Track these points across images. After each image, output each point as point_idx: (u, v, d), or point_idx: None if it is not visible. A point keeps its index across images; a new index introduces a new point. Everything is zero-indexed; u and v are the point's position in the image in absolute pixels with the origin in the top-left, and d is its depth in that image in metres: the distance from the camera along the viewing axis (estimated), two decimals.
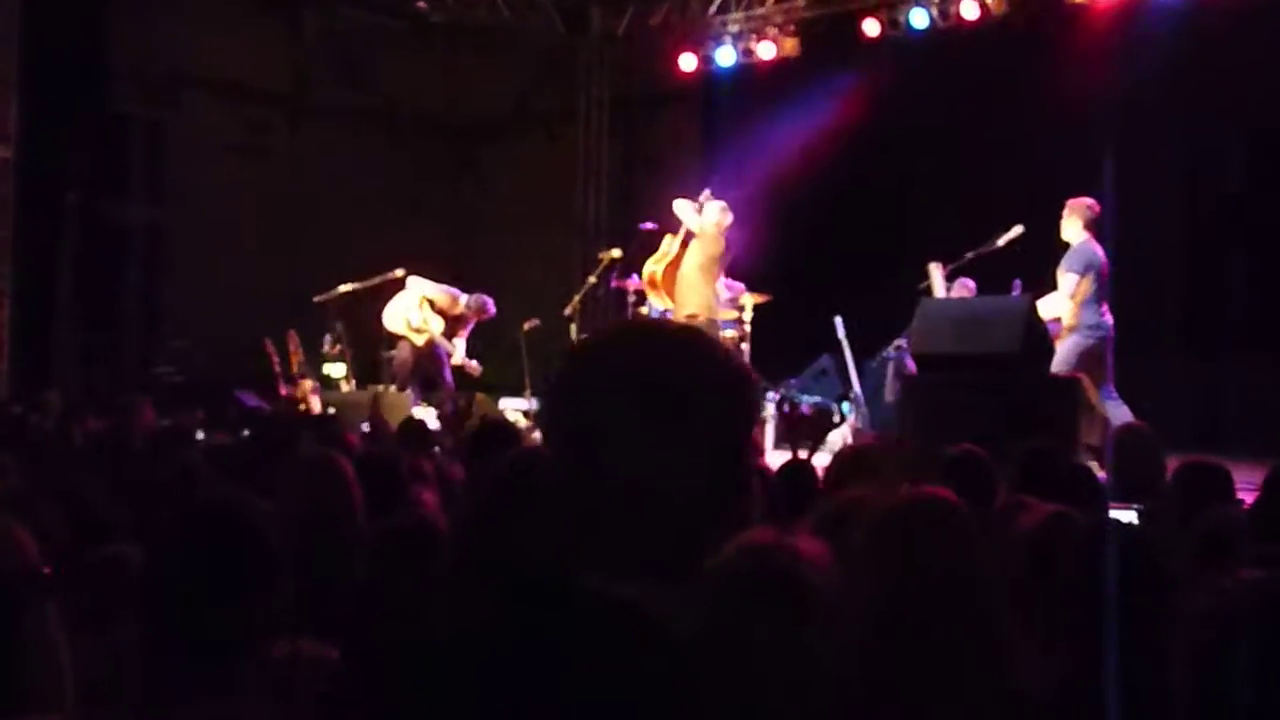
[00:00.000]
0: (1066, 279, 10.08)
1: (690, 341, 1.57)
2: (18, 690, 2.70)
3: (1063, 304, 10.07)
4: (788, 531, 2.14)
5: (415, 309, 13.13)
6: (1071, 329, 10.13)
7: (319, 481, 4.08)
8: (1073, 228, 10.25)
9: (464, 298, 13.45)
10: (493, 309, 13.52)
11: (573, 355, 1.63)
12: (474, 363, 13.43)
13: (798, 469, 5.86)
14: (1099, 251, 10.12)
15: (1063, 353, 10.08)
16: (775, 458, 8.47)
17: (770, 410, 11.59)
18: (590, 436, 1.50)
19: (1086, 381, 10.06)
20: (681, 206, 12.28)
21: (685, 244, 12.23)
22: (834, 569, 2.05)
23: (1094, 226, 10.24)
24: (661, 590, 1.49)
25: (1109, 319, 10.13)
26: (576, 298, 13.62)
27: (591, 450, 1.50)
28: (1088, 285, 10.12)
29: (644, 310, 13.39)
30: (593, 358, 1.59)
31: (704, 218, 12.00)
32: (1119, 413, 9.88)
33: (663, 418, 1.49)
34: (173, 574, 2.53)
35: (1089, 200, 10.27)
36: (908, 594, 2.35)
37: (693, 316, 11.44)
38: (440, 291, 13.37)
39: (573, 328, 13.48)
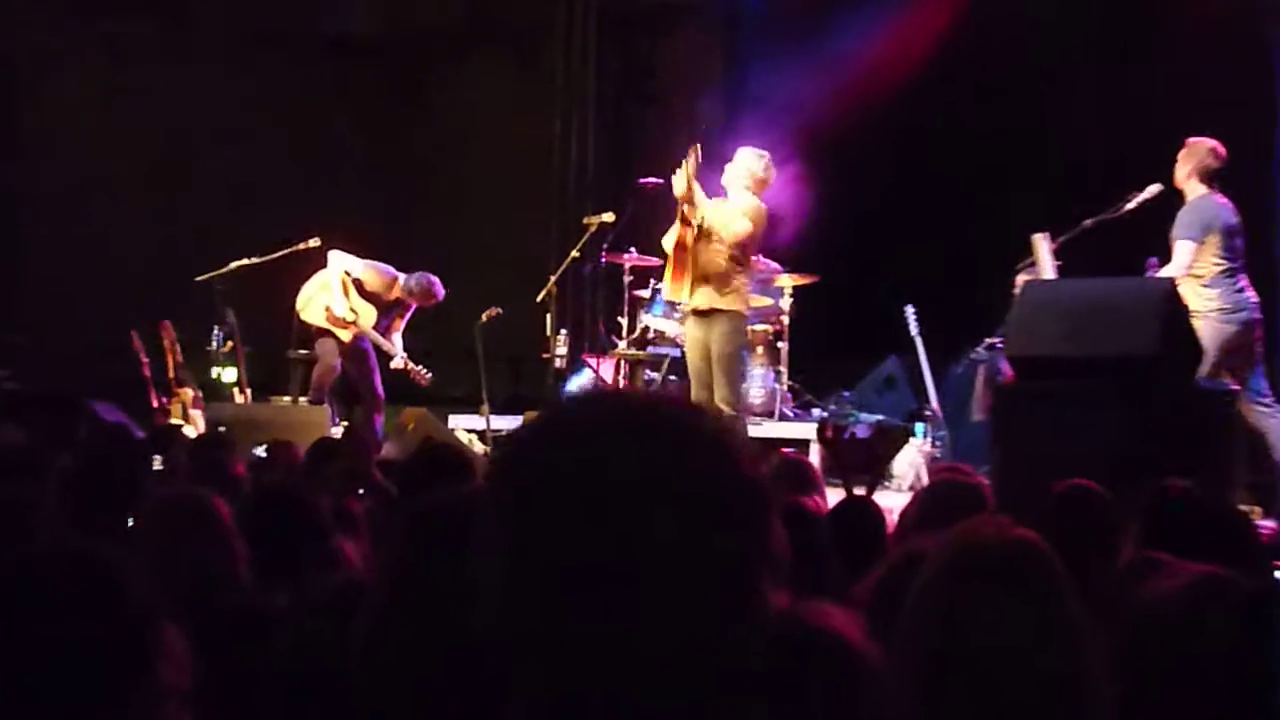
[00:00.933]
0: (1181, 247, 10.12)
1: (691, 441, 1.59)
2: None
3: (1178, 281, 10.10)
4: (820, 599, 2.13)
5: (338, 293, 13.05)
6: (1198, 314, 10.13)
7: (182, 530, 4.02)
8: (1189, 178, 10.31)
9: (402, 278, 13.40)
10: (440, 292, 13.46)
11: (512, 452, 1.66)
12: (420, 368, 13.36)
13: (855, 512, 5.85)
14: (1224, 207, 10.20)
15: None
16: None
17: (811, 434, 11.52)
18: (549, 568, 1.54)
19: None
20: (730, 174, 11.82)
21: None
22: (875, 652, 2.04)
23: (1215, 177, 10.30)
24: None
25: (1252, 295, 10.17)
26: (553, 279, 13.62)
27: (552, 583, 1.53)
28: (1213, 253, 10.16)
29: (642, 294, 13.39)
30: (543, 459, 1.60)
31: (733, 174, 11.57)
32: (1275, 428, 9.88)
33: (652, 549, 1.52)
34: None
35: (1211, 143, 10.33)
36: (954, 688, 2.30)
37: (718, 313, 11.13)
38: (371, 270, 13.32)
39: (548, 319, 13.47)
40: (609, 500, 1.53)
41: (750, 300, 11.63)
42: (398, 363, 13.26)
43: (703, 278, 11.07)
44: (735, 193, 11.37)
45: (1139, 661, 2.82)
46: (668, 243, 11.28)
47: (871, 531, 5.33)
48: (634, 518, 1.51)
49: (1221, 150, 10.36)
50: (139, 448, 7.97)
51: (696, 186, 10.97)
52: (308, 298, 13.07)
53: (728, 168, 11.46)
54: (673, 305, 13.25)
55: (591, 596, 1.51)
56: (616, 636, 1.51)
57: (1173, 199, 10.63)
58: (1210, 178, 10.35)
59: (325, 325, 13.02)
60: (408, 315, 13.56)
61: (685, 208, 11.00)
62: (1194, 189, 10.31)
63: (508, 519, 1.58)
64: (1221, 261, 10.09)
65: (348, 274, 13.12)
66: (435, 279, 13.43)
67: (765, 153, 11.66)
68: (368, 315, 13.18)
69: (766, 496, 1.60)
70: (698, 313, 11.15)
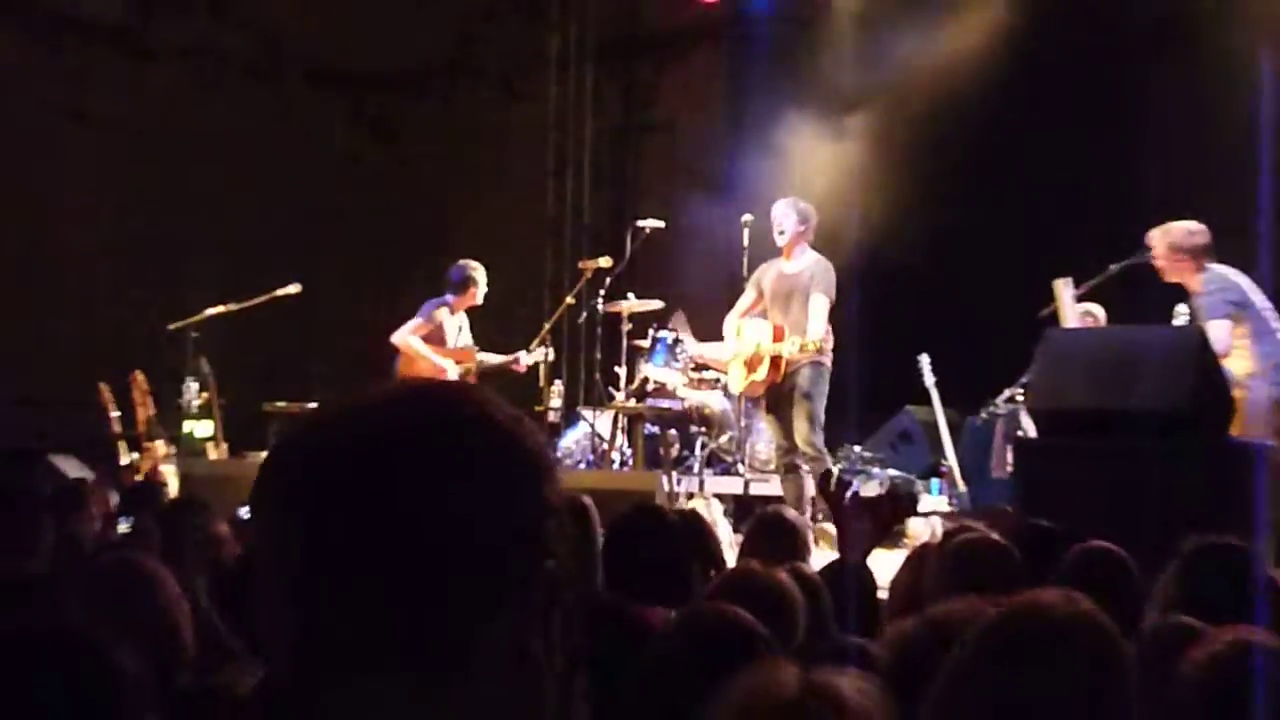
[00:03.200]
0: (1217, 329, 10.21)
1: (470, 404, 1.64)
2: None
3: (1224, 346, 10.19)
4: (822, 666, 2.16)
5: (436, 361, 13.44)
6: (1251, 375, 10.20)
7: (142, 609, 4.04)
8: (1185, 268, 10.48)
9: (430, 306, 13.71)
10: (462, 272, 13.83)
11: (289, 448, 1.67)
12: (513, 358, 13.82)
13: (845, 575, 5.87)
14: (1238, 276, 10.40)
15: (1249, 409, 10.13)
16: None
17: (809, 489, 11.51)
18: (334, 553, 1.56)
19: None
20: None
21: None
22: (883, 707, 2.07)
23: (1205, 256, 10.49)
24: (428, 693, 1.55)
25: None
26: (547, 326, 13.65)
27: (335, 568, 1.56)
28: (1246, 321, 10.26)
29: (642, 344, 13.40)
30: (327, 445, 1.63)
31: (792, 230, 11.99)
32: None
33: (444, 512, 1.56)
34: None
35: (1187, 225, 10.47)
36: None
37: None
38: (419, 325, 13.60)
39: (541, 370, 13.50)
40: (386, 486, 1.56)
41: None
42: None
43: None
44: (797, 251, 11.95)
45: None
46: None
47: (864, 599, 5.35)
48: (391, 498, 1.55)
49: (1198, 229, 10.54)
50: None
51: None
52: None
53: (780, 220, 11.97)
54: (673, 354, 13.28)
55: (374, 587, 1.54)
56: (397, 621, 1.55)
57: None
58: (1202, 256, 10.49)
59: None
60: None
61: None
62: (1196, 278, 10.47)
63: (278, 521, 1.62)
64: (1255, 322, 10.29)
65: (413, 345, 13.37)
66: (457, 270, 13.72)
67: (798, 200, 12.15)
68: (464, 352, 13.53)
69: (540, 450, 1.64)
70: None
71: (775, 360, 11.71)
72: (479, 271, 13.66)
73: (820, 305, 11.65)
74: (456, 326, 13.61)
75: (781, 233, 11.96)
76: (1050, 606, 2.55)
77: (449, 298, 13.51)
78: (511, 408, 1.74)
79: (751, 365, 11.99)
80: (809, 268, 11.85)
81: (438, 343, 13.43)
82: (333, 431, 1.63)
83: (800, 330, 11.56)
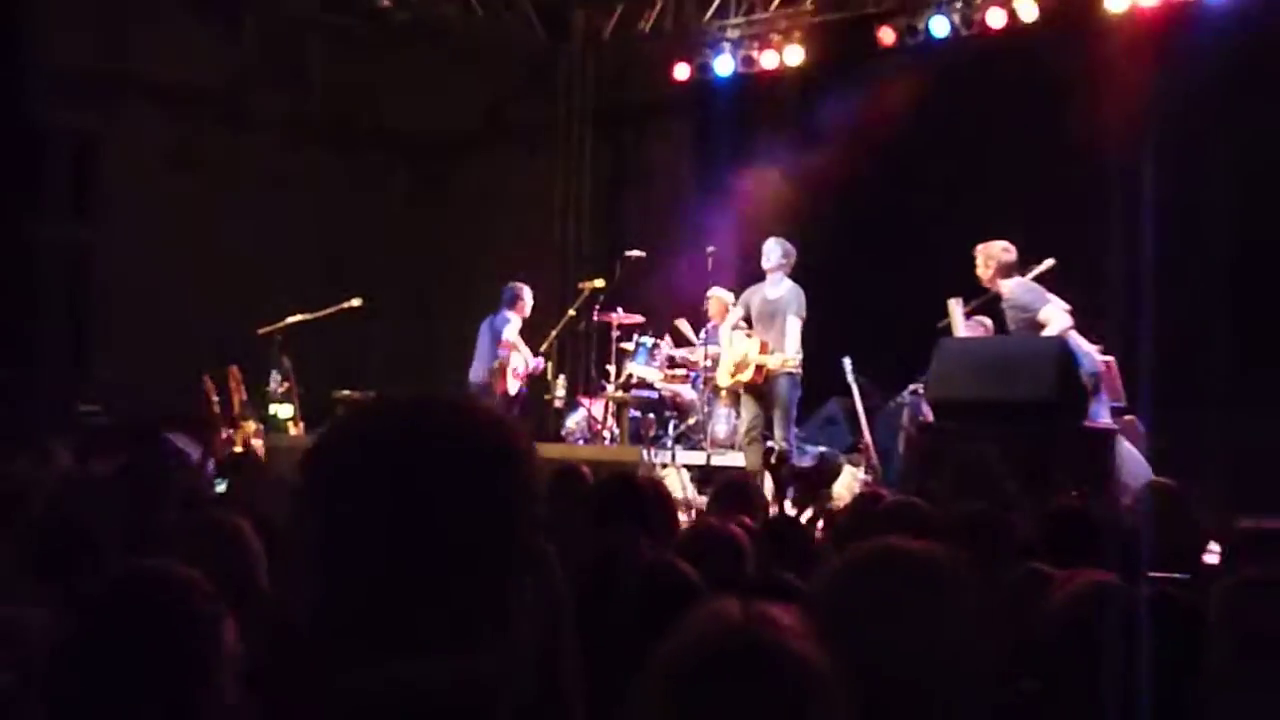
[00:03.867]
0: (1052, 310, 10.20)
1: (463, 410, 1.65)
2: None
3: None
4: (758, 601, 2.07)
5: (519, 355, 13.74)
6: None
7: (212, 545, 3.98)
8: (993, 277, 10.47)
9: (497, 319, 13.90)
10: (511, 292, 14.01)
11: (328, 442, 1.65)
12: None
13: (785, 529, 5.86)
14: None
15: None
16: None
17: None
18: (371, 521, 1.55)
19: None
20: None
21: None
22: (815, 640, 1.99)
23: (1013, 270, 10.57)
24: (482, 666, 1.54)
25: None
26: (554, 333, 13.62)
27: (363, 533, 1.54)
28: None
29: (627, 346, 13.37)
30: (352, 441, 1.63)
31: (775, 261, 12.17)
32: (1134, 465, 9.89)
33: (440, 493, 1.55)
34: (90, 658, 2.48)
35: (1002, 243, 10.50)
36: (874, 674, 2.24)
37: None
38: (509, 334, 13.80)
39: (549, 367, 13.47)
40: (393, 472, 1.54)
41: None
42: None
43: None
44: (777, 278, 12.06)
45: (1046, 656, 2.77)
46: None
47: (801, 547, 5.31)
48: (414, 488, 1.54)
49: (1012, 249, 10.53)
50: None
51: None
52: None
53: (768, 253, 12.11)
54: (652, 355, 13.27)
55: (397, 554, 1.51)
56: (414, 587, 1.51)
57: (1062, 271, 10.64)
58: (1011, 270, 10.46)
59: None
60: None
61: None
62: (1006, 284, 10.46)
63: (320, 500, 1.59)
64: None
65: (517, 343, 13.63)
66: (508, 290, 13.81)
67: (783, 240, 12.26)
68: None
69: (526, 450, 1.63)
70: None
71: (759, 368, 11.87)
72: (525, 290, 13.78)
73: (795, 327, 11.82)
74: (515, 331, 13.66)
75: (768, 261, 12.06)
76: (912, 549, 2.46)
77: (506, 312, 13.57)
78: (501, 415, 1.74)
79: (740, 368, 12.12)
80: (787, 294, 11.94)
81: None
82: (365, 430, 1.62)
83: (781, 346, 11.78)
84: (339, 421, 1.67)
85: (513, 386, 13.48)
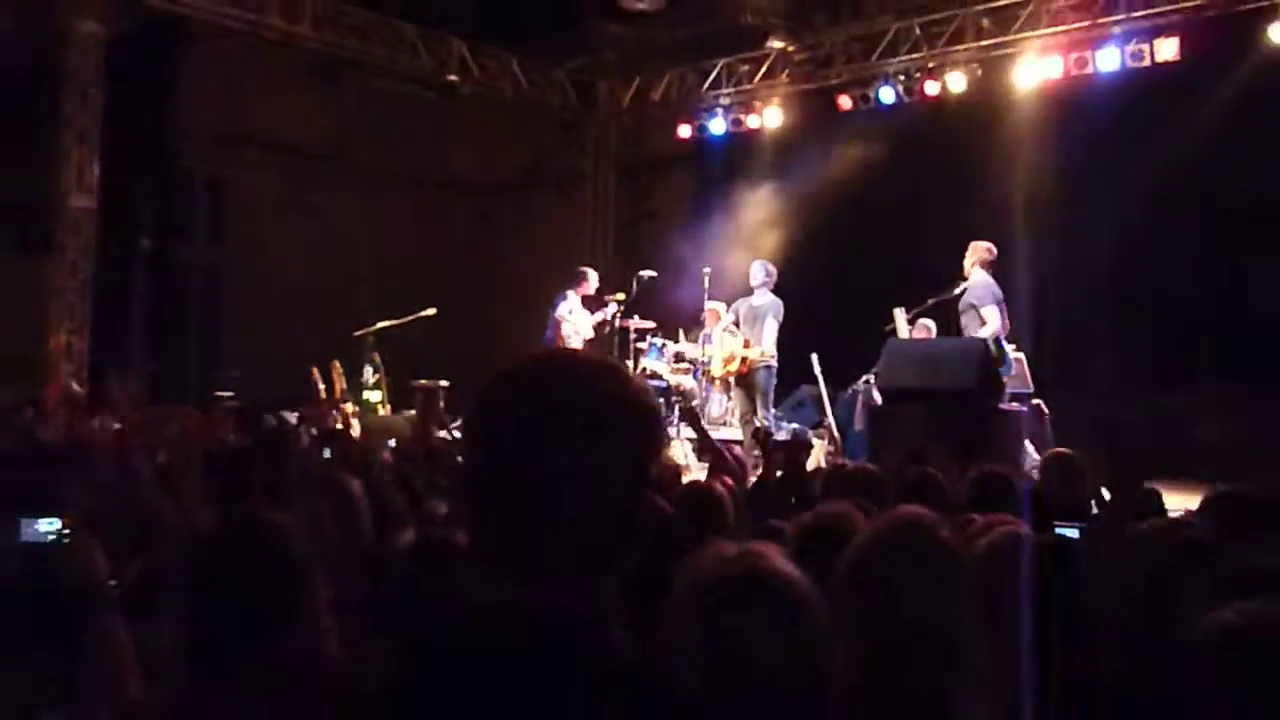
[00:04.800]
0: (992, 312, 10.15)
1: (598, 375, 1.54)
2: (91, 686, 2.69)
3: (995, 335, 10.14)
4: (751, 543, 2.12)
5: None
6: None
7: (325, 499, 4.00)
8: (974, 267, 10.38)
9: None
10: (577, 277, 13.74)
11: (492, 390, 1.56)
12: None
13: (766, 487, 5.91)
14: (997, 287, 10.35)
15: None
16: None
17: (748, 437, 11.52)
18: (507, 463, 1.48)
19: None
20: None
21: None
22: (795, 570, 2.03)
23: (989, 267, 10.41)
24: (589, 595, 1.48)
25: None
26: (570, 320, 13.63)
27: (510, 475, 1.48)
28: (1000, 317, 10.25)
29: (642, 346, 13.38)
30: (506, 392, 1.54)
31: (759, 279, 12.20)
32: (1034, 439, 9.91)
33: (574, 444, 1.47)
34: (214, 578, 2.48)
35: (987, 244, 10.39)
36: (889, 600, 2.28)
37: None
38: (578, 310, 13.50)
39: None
40: (544, 423, 1.48)
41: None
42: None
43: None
44: (761, 291, 12.08)
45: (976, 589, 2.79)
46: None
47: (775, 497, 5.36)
48: (559, 434, 1.47)
49: (994, 249, 10.44)
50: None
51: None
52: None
53: (754, 272, 12.16)
54: (661, 353, 13.28)
55: (540, 487, 1.47)
56: (552, 509, 1.47)
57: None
58: (987, 266, 10.40)
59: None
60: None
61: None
62: (977, 274, 10.36)
63: (481, 439, 1.54)
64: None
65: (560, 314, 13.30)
66: (577, 276, 13.57)
67: (767, 263, 12.30)
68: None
69: (656, 410, 1.56)
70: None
71: (743, 360, 11.92)
72: (590, 272, 13.61)
73: (772, 328, 11.83)
74: (568, 309, 13.27)
75: (754, 279, 12.12)
76: (911, 515, 2.48)
77: (566, 291, 13.39)
78: (639, 378, 1.66)
79: (729, 361, 12.21)
80: (768, 303, 11.96)
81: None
82: (520, 384, 1.54)
83: (759, 342, 11.81)
84: (498, 381, 1.56)
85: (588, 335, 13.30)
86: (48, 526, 2.91)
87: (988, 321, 10.15)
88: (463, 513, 1.63)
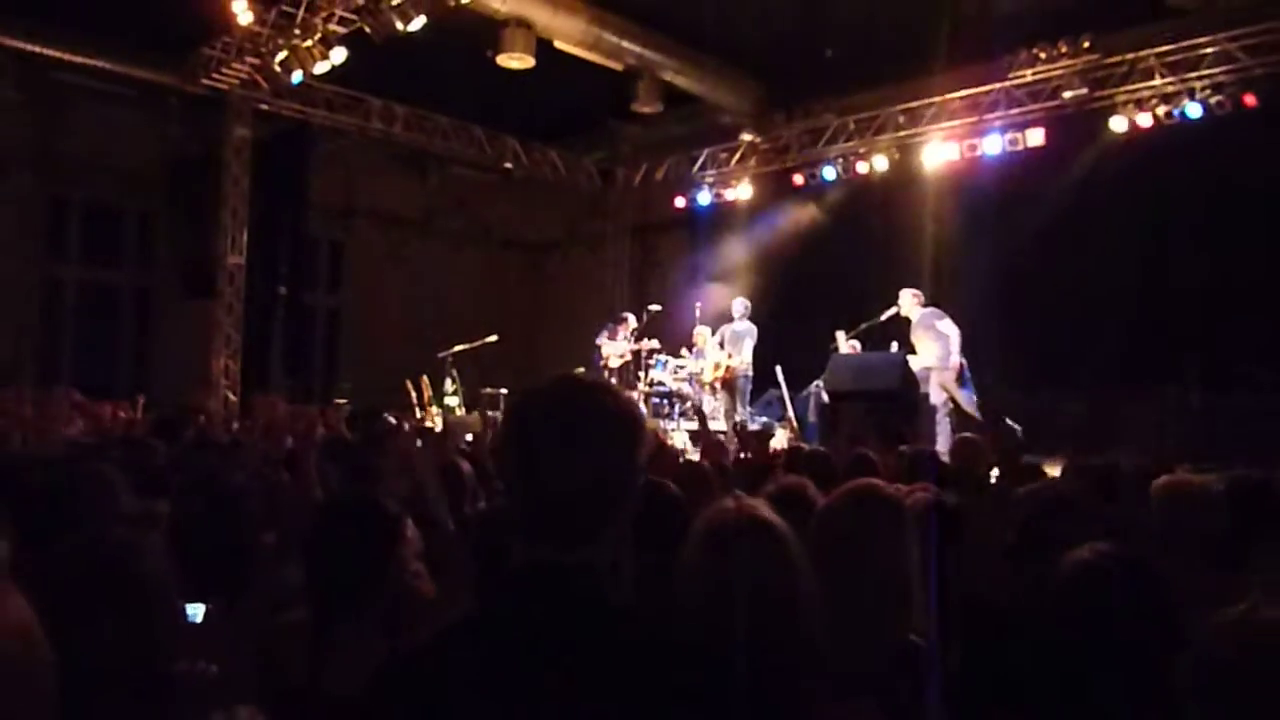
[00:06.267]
0: (950, 327, 10.11)
1: (596, 390, 1.52)
2: None
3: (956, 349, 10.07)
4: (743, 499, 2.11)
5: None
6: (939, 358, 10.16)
7: (426, 475, 3.98)
8: (911, 306, 10.35)
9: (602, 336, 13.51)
10: (617, 320, 13.69)
11: (518, 400, 1.55)
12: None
13: (748, 464, 5.86)
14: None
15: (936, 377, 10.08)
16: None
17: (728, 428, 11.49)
18: (532, 453, 1.47)
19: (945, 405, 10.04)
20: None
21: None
22: (779, 518, 2.03)
23: (923, 304, 10.45)
24: (596, 553, 1.47)
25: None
26: (606, 351, 13.62)
27: (534, 462, 1.47)
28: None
29: (650, 362, 13.35)
30: (532, 402, 1.53)
31: (738, 310, 12.30)
32: (944, 426, 9.88)
33: (578, 438, 1.46)
34: (330, 535, 2.46)
35: (914, 290, 10.51)
36: (857, 544, 2.24)
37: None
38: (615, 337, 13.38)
39: (605, 374, 13.44)
40: (561, 424, 1.47)
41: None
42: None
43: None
44: (740, 320, 12.25)
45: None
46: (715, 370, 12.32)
47: (752, 474, 5.34)
48: (570, 432, 1.46)
49: (920, 293, 10.48)
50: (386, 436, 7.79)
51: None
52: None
53: (735, 306, 12.37)
54: (665, 367, 13.25)
55: (556, 471, 1.45)
56: (568, 488, 1.45)
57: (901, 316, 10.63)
58: (923, 303, 10.39)
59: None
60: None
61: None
62: (917, 310, 10.36)
63: (510, 438, 1.51)
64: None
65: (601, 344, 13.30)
66: (613, 315, 13.70)
67: (745, 300, 12.50)
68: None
69: (639, 414, 1.54)
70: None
71: (728, 369, 12.04)
72: (629, 316, 13.55)
73: (748, 346, 11.99)
74: (609, 340, 13.32)
75: (735, 311, 12.29)
76: (870, 482, 2.45)
77: (607, 329, 13.49)
78: (625, 393, 1.65)
79: (716, 369, 12.21)
80: (745, 329, 12.09)
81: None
82: (541, 398, 1.52)
83: (739, 356, 12.01)
84: (525, 393, 1.55)
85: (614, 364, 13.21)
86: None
87: (948, 334, 10.15)
88: (505, 496, 1.59)
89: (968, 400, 10.00)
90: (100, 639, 1.69)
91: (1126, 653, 1.93)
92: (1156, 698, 1.82)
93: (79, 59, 12.26)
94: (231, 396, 12.64)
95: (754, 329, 12.04)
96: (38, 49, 11.99)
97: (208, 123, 13.13)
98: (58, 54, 12.11)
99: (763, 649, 1.73)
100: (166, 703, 1.78)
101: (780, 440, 11.22)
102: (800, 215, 14.53)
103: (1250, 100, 10.68)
